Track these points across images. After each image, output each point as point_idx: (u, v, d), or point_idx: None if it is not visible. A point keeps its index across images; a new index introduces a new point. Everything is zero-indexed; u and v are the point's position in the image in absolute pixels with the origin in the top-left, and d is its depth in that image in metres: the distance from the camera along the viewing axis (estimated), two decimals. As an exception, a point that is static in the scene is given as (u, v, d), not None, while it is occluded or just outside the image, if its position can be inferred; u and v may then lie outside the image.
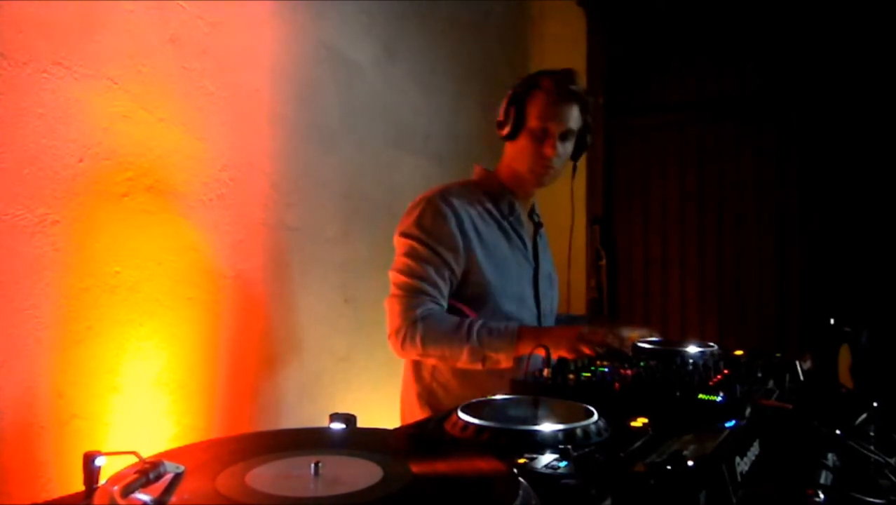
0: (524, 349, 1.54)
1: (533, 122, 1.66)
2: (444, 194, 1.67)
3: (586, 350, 1.48)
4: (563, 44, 3.45)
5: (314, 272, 2.11)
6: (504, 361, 1.57)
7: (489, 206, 1.74)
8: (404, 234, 1.66)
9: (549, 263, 1.89)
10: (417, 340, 1.57)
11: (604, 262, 3.37)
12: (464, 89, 2.92)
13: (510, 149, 1.73)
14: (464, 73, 2.92)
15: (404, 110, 2.55)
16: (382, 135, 2.42)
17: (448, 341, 1.57)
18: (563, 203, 1.86)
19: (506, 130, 1.69)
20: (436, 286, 1.62)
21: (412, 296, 1.60)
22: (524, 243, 1.78)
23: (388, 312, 1.64)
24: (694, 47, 3.26)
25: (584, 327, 1.53)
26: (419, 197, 1.70)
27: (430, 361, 1.66)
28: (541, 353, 1.38)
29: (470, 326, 1.57)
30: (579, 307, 3.31)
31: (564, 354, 1.49)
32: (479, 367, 1.58)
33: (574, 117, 1.68)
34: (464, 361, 1.58)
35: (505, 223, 1.75)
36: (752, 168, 3.18)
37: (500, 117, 1.70)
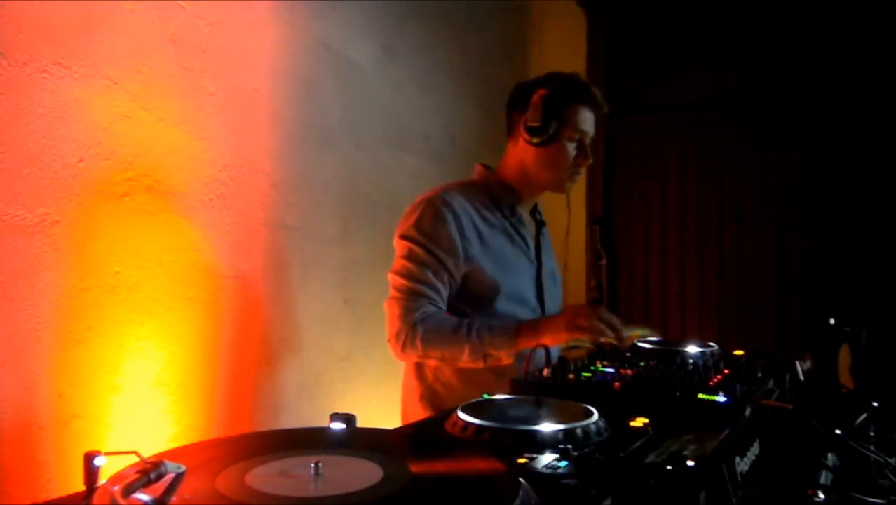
0: (524, 344, 1.54)
1: (571, 131, 1.64)
2: (443, 196, 1.66)
3: (584, 323, 1.50)
4: (563, 44, 3.45)
5: (314, 272, 2.11)
6: (505, 357, 1.57)
7: (490, 206, 1.73)
8: (403, 237, 1.65)
9: (552, 261, 1.88)
10: (418, 342, 1.57)
11: (604, 262, 3.36)
12: (463, 89, 2.92)
13: (534, 153, 1.67)
14: (464, 73, 2.92)
15: (404, 110, 2.54)
16: (382, 135, 2.42)
17: (448, 342, 1.57)
18: (564, 204, 1.86)
19: (542, 137, 1.63)
20: (435, 289, 1.61)
21: (411, 299, 1.60)
22: (526, 243, 1.77)
23: (388, 316, 1.63)
24: (694, 47, 3.26)
25: (571, 309, 1.57)
26: (418, 199, 1.68)
27: (432, 363, 1.66)
28: (547, 342, 1.41)
29: (469, 326, 1.58)
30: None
31: (566, 336, 1.52)
32: (480, 365, 1.58)
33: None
34: (465, 360, 1.58)
35: (506, 223, 1.74)
36: (752, 168, 3.18)
37: (535, 122, 1.62)
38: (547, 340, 1.52)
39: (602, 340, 1.51)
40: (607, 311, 1.54)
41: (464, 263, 1.63)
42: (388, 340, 1.62)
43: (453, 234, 1.62)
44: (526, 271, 1.76)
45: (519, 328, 1.57)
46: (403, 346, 1.59)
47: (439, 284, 1.62)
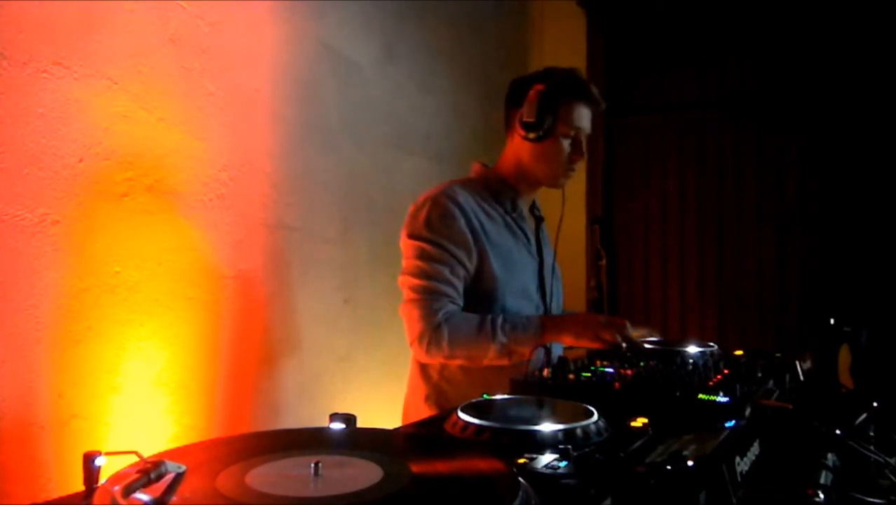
0: (549, 339, 1.55)
1: (565, 126, 1.64)
2: (447, 192, 1.65)
3: (609, 337, 1.50)
4: (563, 44, 3.45)
5: (314, 272, 2.11)
6: (529, 353, 1.57)
7: (492, 202, 1.73)
8: (413, 237, 1.62)
9: (551, 256, 1.89)
10: (444, 344, 1.55)
11: (604, 262, 3.36)
12: (464, 89, 2.92)
13: (530, 149, 1.67)
14: (464, 73, 2.92)
15: (404, 110, 2.54)
16: (382, 135, 2.42)
17: (474, 342, 1.56)
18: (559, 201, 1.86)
19: (537, 133, 1.63)
20: (452, 286, 1.59)
21: (431, 299, 1.57)
22: (528, 238, 1.77)
23: (407, 319, 1.60)
24: (694, 47, 3.26)
25: (600, 319, 1.57)
26: (423, 197, 1.67)
27: (437, 362, 1.65)
28: (566, 342, 1.42)
29: (493, 323, 1.56)
30: (579, 307, 3.31)
31: (586, 342, 1.53)
32: (505, 362, 1.58)
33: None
34: (490, 358, 1.57)
35: (508, 219, 1.74)
36: (752, 168, 3.18)
37: (530, 118, 1.62)
38: (567, 340, 1.56)
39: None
40: (630, 328, 1.54)
41: (476, 257, 1.63)
42: (410, 344, 1.60)
43: (463, 228, 1.61)
44: (528, 266, 1.76)
45: (544, 324, 1.57)
46: (428, 348, 1.56)
47: (456, 281, 1.60)
